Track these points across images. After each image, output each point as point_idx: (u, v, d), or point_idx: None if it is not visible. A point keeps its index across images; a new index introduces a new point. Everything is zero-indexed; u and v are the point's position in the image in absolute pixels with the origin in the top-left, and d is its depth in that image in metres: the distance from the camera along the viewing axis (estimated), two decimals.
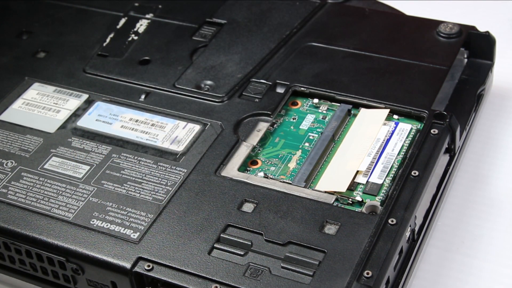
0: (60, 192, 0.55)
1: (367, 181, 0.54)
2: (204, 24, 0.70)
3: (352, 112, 0.60)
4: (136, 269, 0.50)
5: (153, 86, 0.64)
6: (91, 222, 0.53)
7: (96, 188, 0.55)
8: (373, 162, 0.56)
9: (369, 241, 0.49)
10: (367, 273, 0.47)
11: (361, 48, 0.65)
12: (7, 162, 0.58)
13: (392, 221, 0.50)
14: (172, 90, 0.63)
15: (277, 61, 0.65)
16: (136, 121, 0.61)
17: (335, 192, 0.54)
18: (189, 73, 0.65)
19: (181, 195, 0.54)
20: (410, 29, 0.67)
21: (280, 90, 0.62)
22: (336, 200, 0.53)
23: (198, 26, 0.70)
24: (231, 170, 0.56)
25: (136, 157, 0.58)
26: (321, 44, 0.66)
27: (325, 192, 0.54)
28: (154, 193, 0.55)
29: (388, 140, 0.57)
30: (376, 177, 0.55)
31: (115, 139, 0.60)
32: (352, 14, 0.69)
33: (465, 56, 0.66)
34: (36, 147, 0.59)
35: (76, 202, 0.55)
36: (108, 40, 0.69)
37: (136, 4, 0.73)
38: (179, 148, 0.58)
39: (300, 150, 0.58)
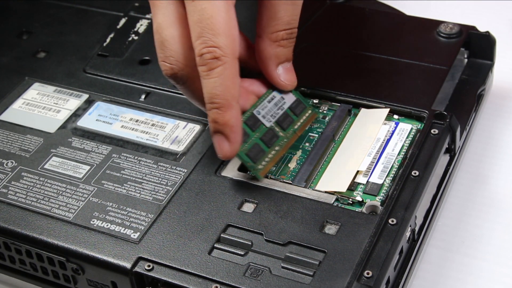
0: (60, 192, 0.55)
1: (367, 181, 0.54)
2: None
3: (352, 112, 0.60)
4: (136, 269, 0.50)
5: (153, 86, 0.64)
6: (91, 222, 0.53)
7: (96, 188, 0.55)
8: (373, 162, 0.56)
9: (369, 241, 0.49)
10: (367, 273, 0.47)
11: (361, 48, 0.65)
12: (7, 162, 0.58)
13: (392, 221, 0.50)
14: (173, 90, 0.63)
15: None
16: (136, 121, 0.61)
17: (335, 192, 0.54)
18: None
19: (181, 195, 0.54)
20: (410, 29, 0.67)
21: None
22: (336, 200, 0.53)
23: None
24: (231, 170, 0.56)
25: (136, 157, 0.58)
26: (321, 44, 0.66)
27: (325, 192, 0.54)
28: (154, 193, 0.55)
29: (388, 140, 0.57)
30: (376, 177, 0.55)
31: (115, 139, 0.60)
32: (352, 14, 0.69)
33: (465, 56, 0.66)
34: (36, 147, 0.59)
35: (76, 202, 0.55)
36: (108, 40, 0.69)
37: (136, 4, 0.73)
38: (179, 148, 0.58)
39: (300, 150, 0.58)
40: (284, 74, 0.56)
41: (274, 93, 0.57)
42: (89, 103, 0.63)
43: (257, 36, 0.56)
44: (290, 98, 0.58)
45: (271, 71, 0.56)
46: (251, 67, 0.57)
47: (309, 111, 0.58)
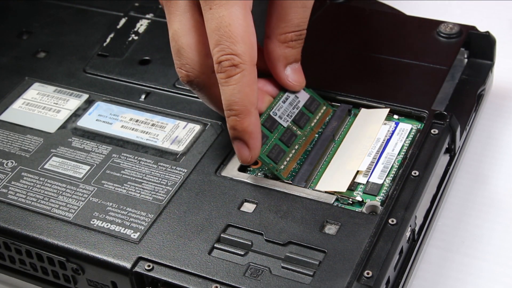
0: (60, 192, 0.55)
1: (367, 181, 0.54)
2: None
3: (352, 112, 0.60)
4: (136, 269, 0.50)
5: (153, 86, 0.64)
6: (91, 222, 0.53)
7: (96, 188, 0.55)
8: (373, 162, 0.56)
9: (369, 241, 0.49)
10: (367, 273, 0.47)
11: (361, 48, 0.65)
12: (7, 162, 0.58)
13: (392, 221, 0.50)
14: (172, 90, 0.63)
15: None
16: (136, 121, 0.61)
17: (335, 192, 0.54)
18: None
19: (181, 195, 0.54)
20: (410, 29, 0.67)
21: None
22: (336, 200, 0.53)
23: None
24: (231, 170, 0.56)
25: (136, 157, 0.58)
26: (321, 44, 0.66)
27: (325, 192, 0.54)
28: (154, 193, 0.55)
29: (388, 140, 0.57)
30: (376, 177, 0.55)
31: (115, 139, 0.60)
32: (352, 14, 0.69)
33: (465, 56, 0.66)
34: (36, 147, 0.59)
35: (76, 202, 0.55)
36: (108, 40, 0.69)
37: (136, 4, 0.73)
38: (179, 148, 0.58)
39: None
40: (292, 74, 0.57)
41: (288, 93, 0.57)
42: (89, 103, 0.63)
43: (266, 37, 0.56)
44: (304, 96, 0.58)
45: (279, 72, 0.57)
46: (260, 68, 0.57)
47: (324, 107, 0.59)
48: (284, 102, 0.57)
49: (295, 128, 0.57)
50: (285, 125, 0.56)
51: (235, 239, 0.51)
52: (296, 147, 0.56)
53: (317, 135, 0.58)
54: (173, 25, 0.53)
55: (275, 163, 0.55)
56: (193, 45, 0.53)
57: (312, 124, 0.58)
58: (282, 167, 0.55)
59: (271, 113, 0.56)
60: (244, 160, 0.53)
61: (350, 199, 0.53)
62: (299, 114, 0.57)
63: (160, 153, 0.58)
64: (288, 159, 0.55)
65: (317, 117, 0.58)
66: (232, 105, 0.51)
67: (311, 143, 0.58)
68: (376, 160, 0.56)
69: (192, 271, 0.49)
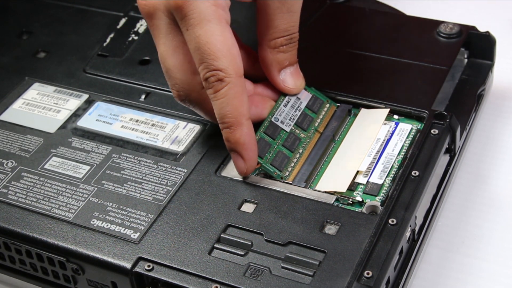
0: (60, 192, 0.55)
1: (367, 181, 0.54)
2: None
3: (352, 112, 0.60)
4: (136, 269, 0.50)
5: (153, 86, 0.64)
6: (91, 222, 0.53)
7: (96, 188, 0.55)
8: (373, 162, 0.56)
9: (369, 241, 0.49)
10: (368, 273, 0.47)
11: (361, 48, 0.65)
12: (7, 162, 0.58)
13: (392, 221, 0.50)
14: None
15: None
16: (137, 121, 0.61)
17: (335, 192, 0.54)
18: None
19: (182, 195, 0.54)
20: (410, 29, 0.67)
21: None
22: (336, 200, 0.53)
23: None
24: (231, 170, 0.56)
25: (136, 157, 0.58)
26: (322, 44, 0.66)
27: (325, 192, 0.54)
28: (154, 193, 0.55)
29: (388, 140, 0.57)
30: (376, 177, 0.55)
31: (115, 139, 0.60)
32: (352, 14, 0.69)
33: (465, 56, 0.66)
34: (36, 147, 0.59)
35: (76, 202, 0.55)
36: (108, 40, 0.69)
37: (136, 4, 0.73)
38: (180, 148, 0.58)
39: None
40: (288, 78, 0.57)
41: (289, 96, 0.57)
42: (89, 103, 0.63)
43: (258, 44, 0.57)
44: (306, 97, 0.58)
45: (274, 77, 0.57)
46: (257, 76, 0.57)
47: (327, 105, 0.59)
48: (285, 106, 0.57)
49: (299, 132, 0.57)
50: (288, 129, 0.56)
51: (235, 239, 0.51)
52: (301, 150, 0.56)
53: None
54: (159, 48, 0.55)
55: (279, 170, 0.55)
56: (179, 65, 0.54)
57: (316, 125, 0.58)
58: (287, 173, 0.55)
59: (272, 119, 0.56)
60: (241, 172, 0.54)
61: (350, 199, 0.53)
62: (301, 116, 0.57)
63: (160, 153, 0.58)
64: (292, 164, 0.55)
65: (321, 116, 0.58)
66: (223, 118, 0.52)
67: (315, 144, 0.57)
68: (376, 160, 0.56)
69: (192, 271, 0.49)
